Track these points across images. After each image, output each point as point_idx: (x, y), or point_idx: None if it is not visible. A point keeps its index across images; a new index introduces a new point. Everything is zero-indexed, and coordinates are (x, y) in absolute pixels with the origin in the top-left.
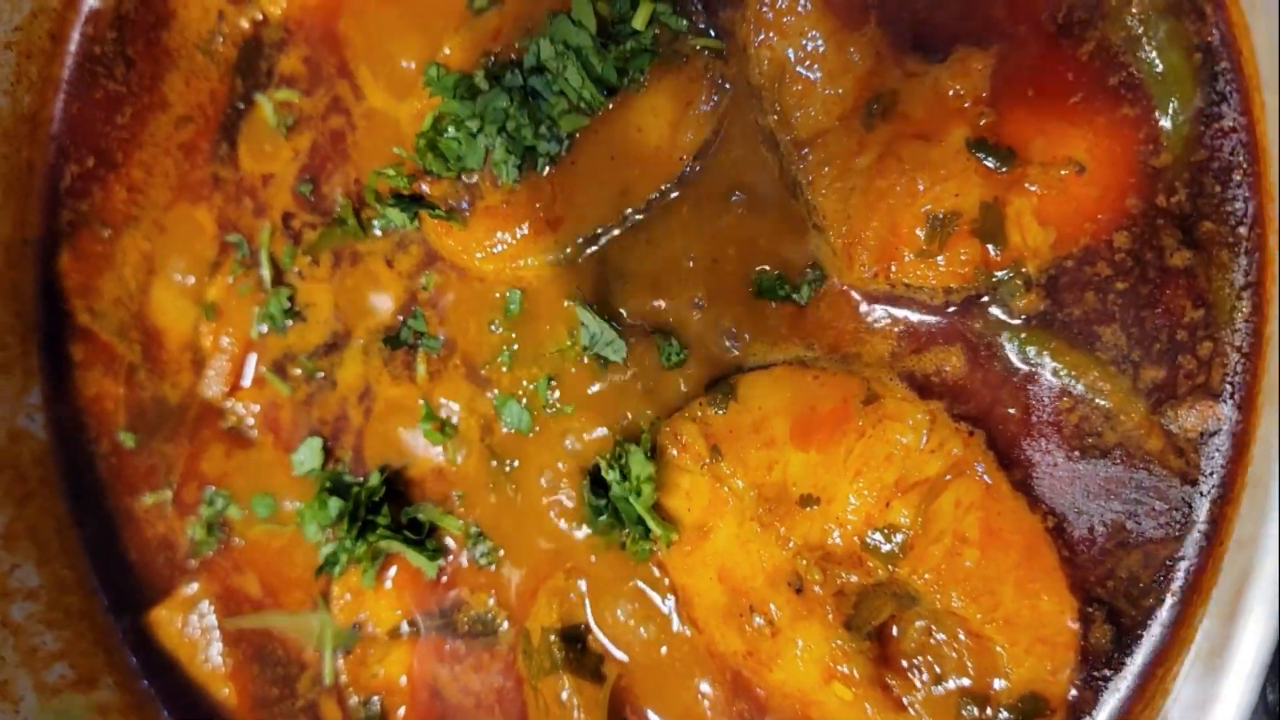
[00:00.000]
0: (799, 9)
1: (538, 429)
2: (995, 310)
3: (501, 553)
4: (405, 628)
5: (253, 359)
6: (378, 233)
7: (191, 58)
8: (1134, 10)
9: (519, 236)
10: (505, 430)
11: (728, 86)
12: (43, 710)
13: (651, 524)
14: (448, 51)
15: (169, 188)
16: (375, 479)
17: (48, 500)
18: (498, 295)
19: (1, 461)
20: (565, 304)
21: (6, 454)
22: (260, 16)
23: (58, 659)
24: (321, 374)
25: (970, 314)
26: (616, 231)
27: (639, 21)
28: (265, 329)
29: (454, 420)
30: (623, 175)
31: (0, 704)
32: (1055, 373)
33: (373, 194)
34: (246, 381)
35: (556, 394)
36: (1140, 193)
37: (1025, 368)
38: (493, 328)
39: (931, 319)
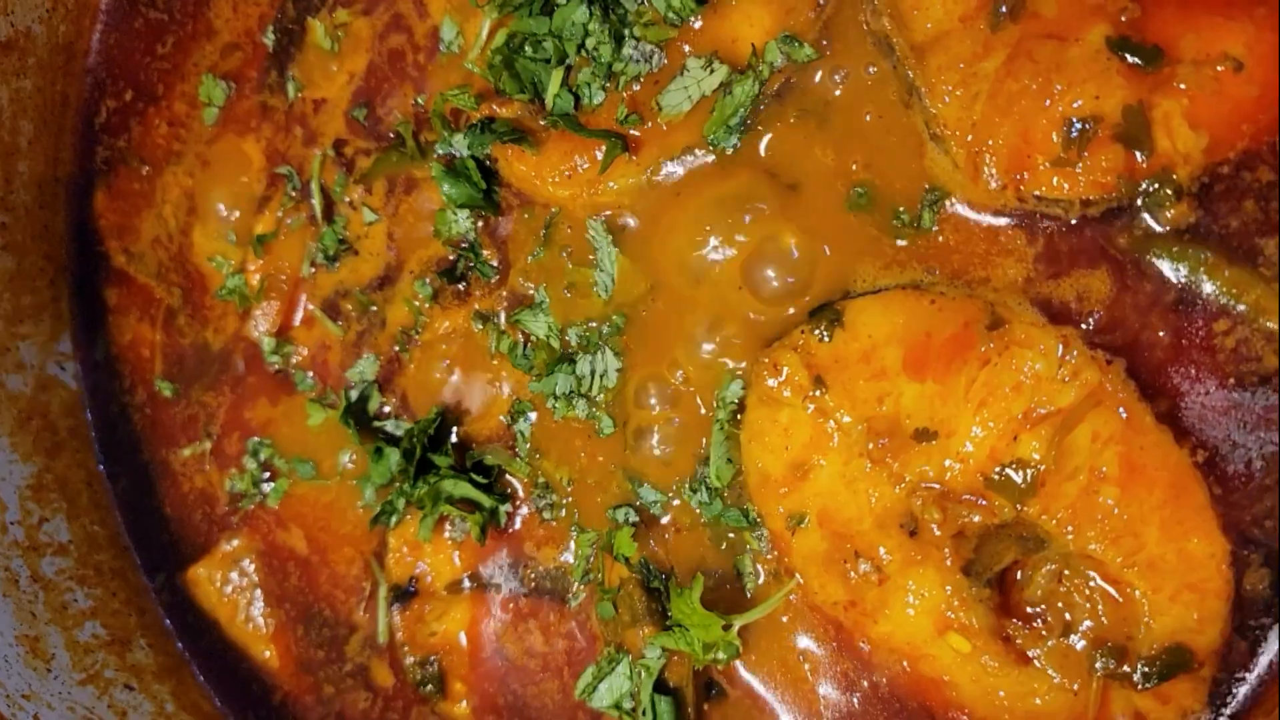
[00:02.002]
0: None
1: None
2: (1142, 223)
3: (565, 510)
4: (467, 583)
5: (302, 298)
6: (440, 154)
7: None
8: None
9: (596, 159)
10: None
11: None
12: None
13: (715, 458)
14: None
15: (214, 120)
16: (433, 413)
17: (78, 453)
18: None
19: (30, 410)
20: None
21: (35, 403)
22: None
23: (89, 618)
24: (374, 308)
25: (1112, 228)
26: (706, 155)
27: None
28: (316, 265)
29: (526, 352)
30: (715, 92)
31: (32, 661)
32: (1211, 292)
33: (438, 119)
34: (296, 321)
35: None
36: None
37: (1177, 286)
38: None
39: (1069, 235)
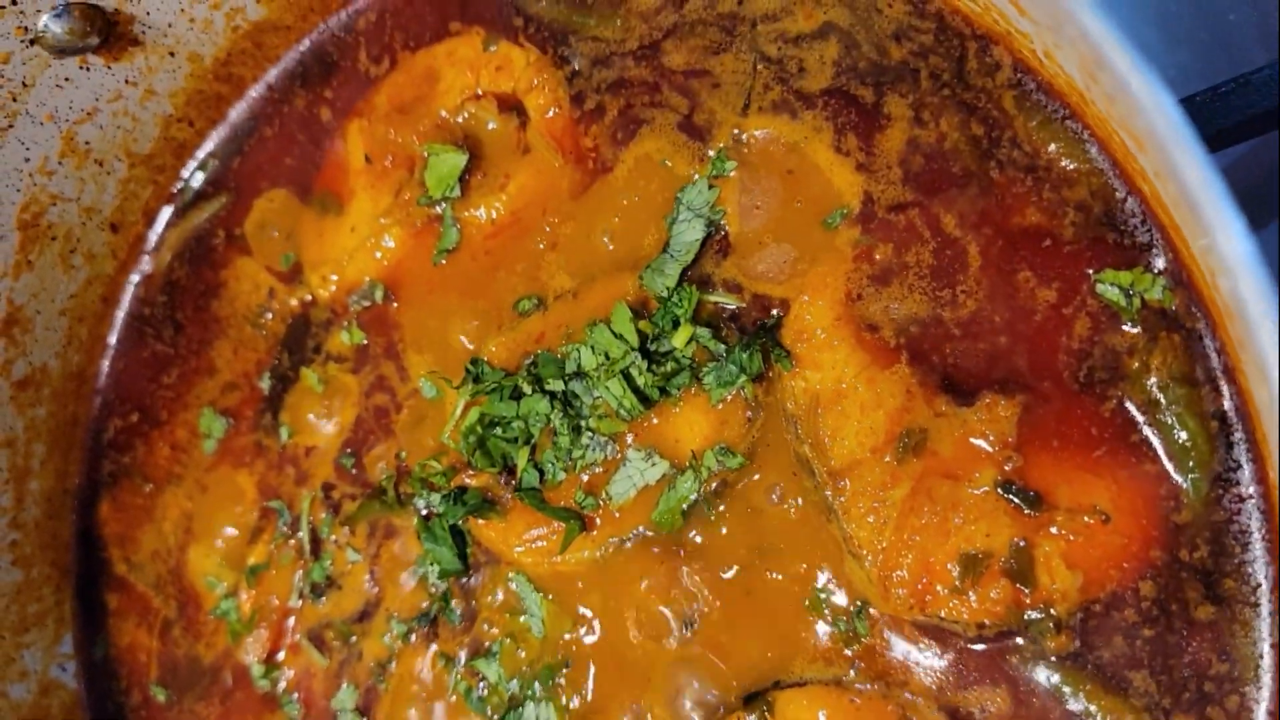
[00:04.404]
0: (832, 345)
1: None
2: (1029, 648)
3: None
4: None
5: (290, 625)
6: (418, 507)
7: (240, 328)
8: (1153, 377)
9: (555, 532)
10: None
11: (761, 411)
12: None
13: None
14: (493, 349)
15: (212, 450)
16: None
17: None
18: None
19: (32, 718)
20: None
21: (37, 708)
22: (310, 297)
23: None
24: (354, 639)
25: (1006, 649)
26: (654, 538)
27: (679, 340)
28: (303, 597)
29: (481, 694)
30: (659, 483)
31: None
32: (1089, 714)
33: (418, 483)
34: (282, 650)
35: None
36: (1164, 545)
37: (1062, 707)
38: (523, 619)
39: (972, 652)
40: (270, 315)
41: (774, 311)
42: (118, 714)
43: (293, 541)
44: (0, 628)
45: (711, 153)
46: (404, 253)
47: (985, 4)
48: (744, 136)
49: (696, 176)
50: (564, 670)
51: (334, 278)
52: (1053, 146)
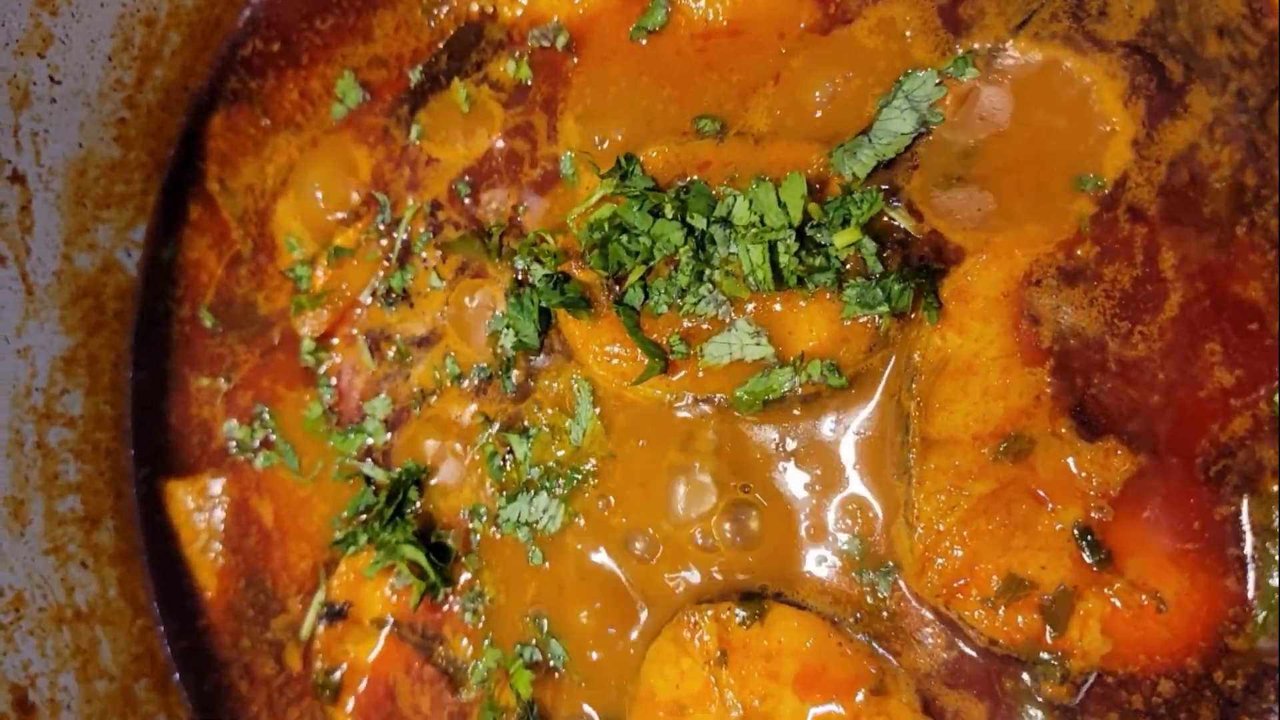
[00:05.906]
0: (986, 317)
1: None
2: (1027, 683)
3: (484, 623)
4: (389, 626)
5: (354, 316)
6: (516, 267)
7: (411, 8)
8: None
9: (635, 360)
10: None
11: (887, 347)
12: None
13: None
14: (653, 154)
15: (340, 117)
16: (412, 466)
17: (115, 334)
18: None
19: (88, 288)
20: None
21: (95, 282)
22: (492, 10)
23: (73, 491)
24: (409, 359)
25: (1006, 673)
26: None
27: (841, 240)
28: (375, 298)
29: (501, 465)
30: (755, 364)
31: (11, 523)
32: None
33: (526, 247)
34: (337, 338)
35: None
36: (1203, 659)
37: None
38: (569, 424)
39: (973, 659)
40: (446, 10)
41: (943, 259)
42: (165, 318)
43: (384, 241)
44: (85, 196)
45: (960, 49)
46: (604, 10)
47: None
48: (1008, 50)
49: (929, 69)
50: (589, 483)
51: (524, 1)
52: None
